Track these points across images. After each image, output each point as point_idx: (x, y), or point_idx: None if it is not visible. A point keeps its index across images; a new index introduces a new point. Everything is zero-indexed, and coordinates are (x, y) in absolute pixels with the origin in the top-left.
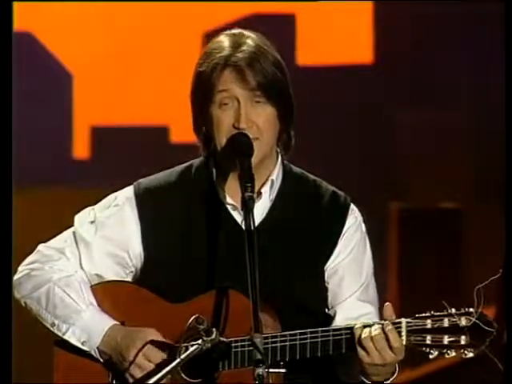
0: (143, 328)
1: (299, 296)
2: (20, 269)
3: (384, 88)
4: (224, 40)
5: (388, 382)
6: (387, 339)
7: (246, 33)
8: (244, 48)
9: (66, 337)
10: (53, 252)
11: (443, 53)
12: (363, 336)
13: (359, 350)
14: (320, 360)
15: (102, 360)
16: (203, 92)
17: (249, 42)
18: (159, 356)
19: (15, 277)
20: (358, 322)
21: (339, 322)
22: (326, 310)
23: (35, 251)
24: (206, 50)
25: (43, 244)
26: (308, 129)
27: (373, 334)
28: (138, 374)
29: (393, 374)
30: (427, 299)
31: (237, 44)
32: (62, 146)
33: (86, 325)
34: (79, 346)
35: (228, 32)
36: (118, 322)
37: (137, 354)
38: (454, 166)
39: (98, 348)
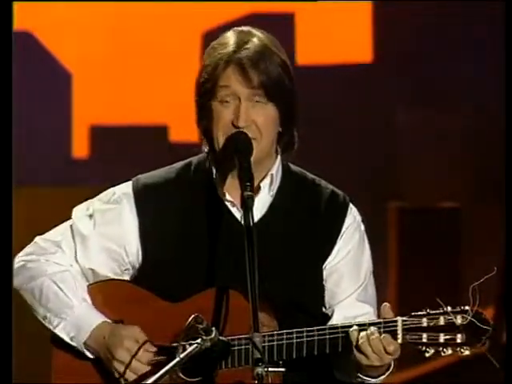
0: (128, 325)
1: (297, 295)
2: (16, 260)
3: (384, 88)
4: (231, 36)
5: (383, 376)
6: (383, 344)
7: (255, 31)
8: (249, 46)
9: (56, 330)
10: (49, 245)
11: (443, 52)
12: (361, 341)
13: (357, 353)
14: (319, 359)
15: (90, 356)
16: (206, 86)
17: (255, 40)
18: (147, 356)
19: None
20: (356, 321)
21: (337, 321)
22: (323, 309)
23: (32, 243)
24: (213, 45)
25: (40, 236)
26: (308, 129)
27: (370, 339)
28: (128, 373)
29: (387, 369)
30: (427, 299)
31: (242, 41)
32: (61, 145)
33: (76, 320)
34: (68, 341)
35: (237, 28)
36: (108, 320)
37: (132, 354)
38: (454, 166)
39: (84, 343)
